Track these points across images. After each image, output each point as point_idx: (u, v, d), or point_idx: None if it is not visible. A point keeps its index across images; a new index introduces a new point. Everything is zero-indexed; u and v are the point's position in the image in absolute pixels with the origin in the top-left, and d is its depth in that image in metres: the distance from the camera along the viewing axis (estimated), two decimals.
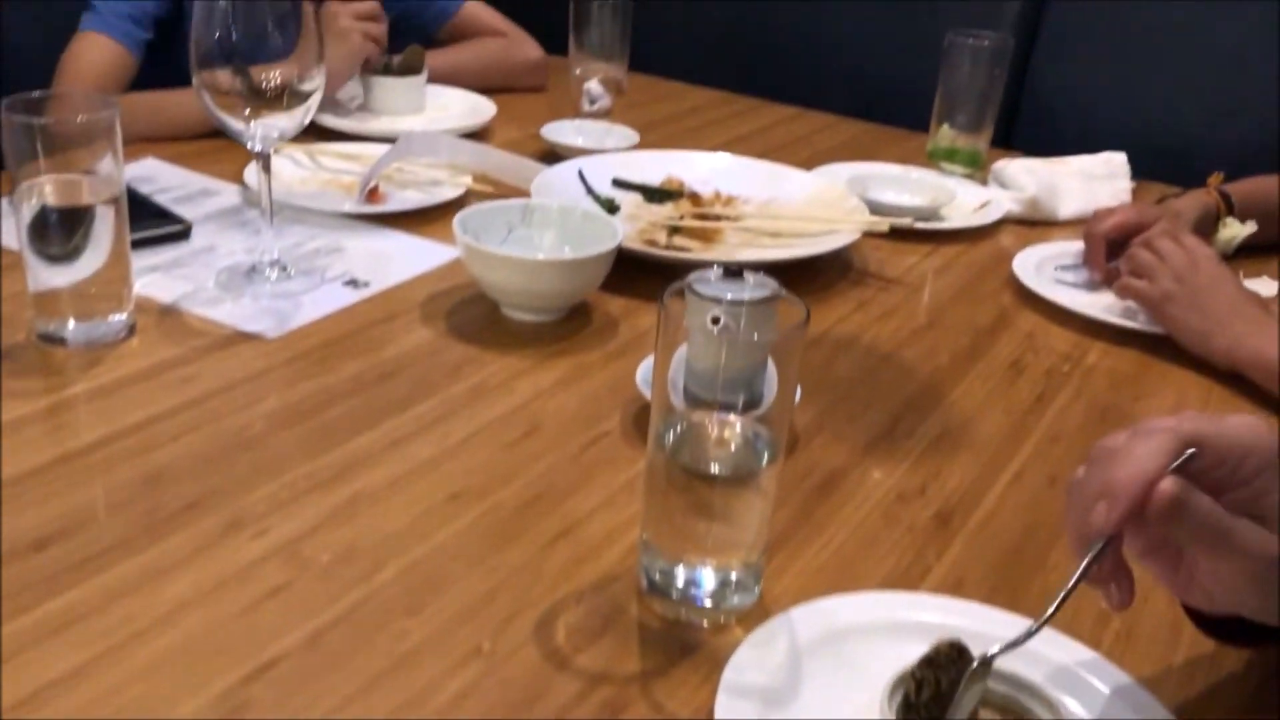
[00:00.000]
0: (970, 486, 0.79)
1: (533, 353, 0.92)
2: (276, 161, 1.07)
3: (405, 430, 0.79)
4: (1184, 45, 1.66)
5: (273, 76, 0.92)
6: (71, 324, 0.86)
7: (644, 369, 0.87)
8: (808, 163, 1.44)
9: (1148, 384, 0.98)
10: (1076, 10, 1.73)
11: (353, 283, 1.01)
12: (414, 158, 1.25)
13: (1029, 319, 1.09)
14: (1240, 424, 0.56)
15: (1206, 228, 1.26)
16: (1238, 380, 0.98)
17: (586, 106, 1.50)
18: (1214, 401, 0.96)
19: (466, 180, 1.23)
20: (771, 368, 0.72)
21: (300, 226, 1.12)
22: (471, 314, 0.98)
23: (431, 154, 1.26)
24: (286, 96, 0.92)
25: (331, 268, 1.04)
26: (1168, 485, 0.51)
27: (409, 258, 1.08)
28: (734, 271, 0.88)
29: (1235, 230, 1.24)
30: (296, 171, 1.25)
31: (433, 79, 1.55)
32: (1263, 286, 1.18)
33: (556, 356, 0.92)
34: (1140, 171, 1.46)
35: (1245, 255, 1.24)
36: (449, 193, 1.21)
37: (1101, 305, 1.11)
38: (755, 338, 0.76)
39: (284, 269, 1.00)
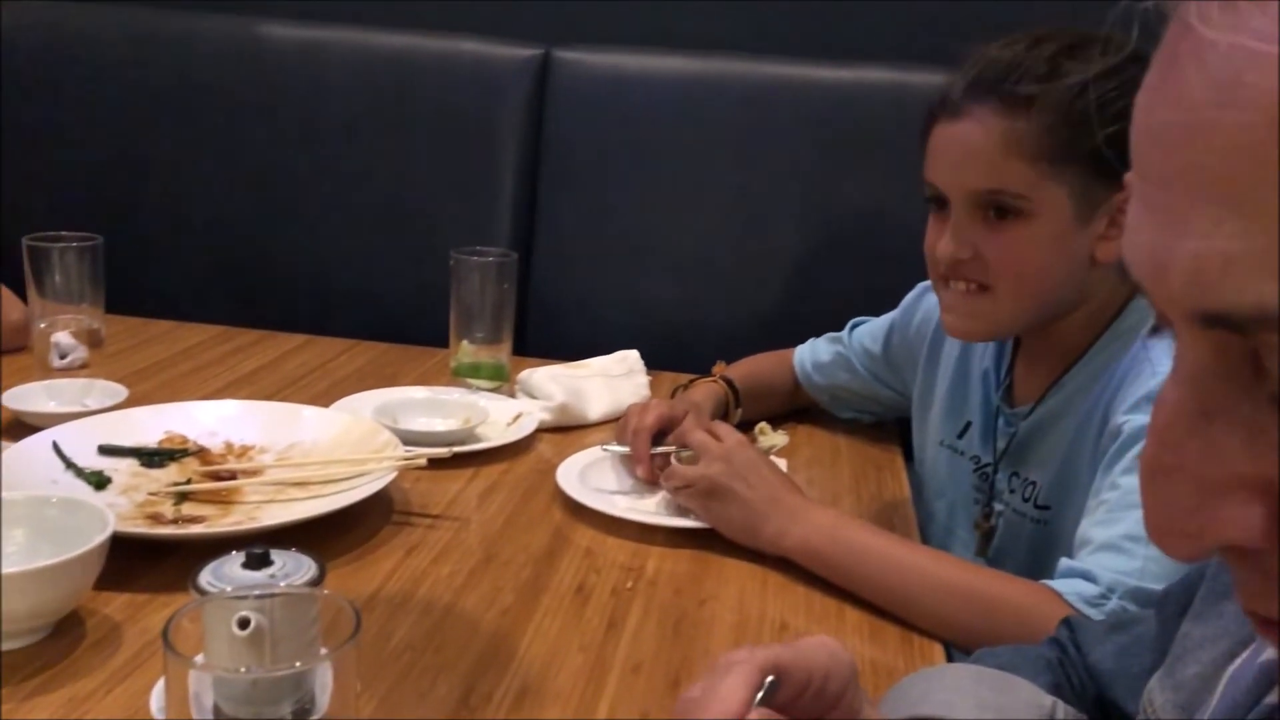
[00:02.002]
0: None
1: (8, 694, 0.73)
2: None
3: None
4: (662, 244, 1.80)
5: None
6: None
7: (160, 690, 0.72)
8: (328, 394, 1.36)
9: (708, 584, 0.98)
10: (563, 221, 1.83)
11: None
12: None
13: (584, 534, 1.06)
14: (814, 644, 0.57)
15: (720, 414, 1.35)
16: (788, 564, 1.01)
17: (57, 362, 1.33)
18: (771, 586, 0.98)
19: None
20: (324, 662, 0.62)
21: None
22: None
23: None
24: None
25: None
26: (754, 716, 0.51)
27: None
28: (259, 554, 0.77)
29: (772, 440, 1.32)
30: None
31: None
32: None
33: (41, 693, 0.74)
34: (649, 363, 1.53)
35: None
36: None
37: (650, 508, 1.12)
38: (298, 631, 0.66)
39: None
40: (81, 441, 1.08)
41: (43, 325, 1.31)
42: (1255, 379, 0.27)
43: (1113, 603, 0.90)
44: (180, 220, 1.87)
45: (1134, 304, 1.10)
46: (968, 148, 1.06)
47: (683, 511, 1.10)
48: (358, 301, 1.83)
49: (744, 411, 1.38)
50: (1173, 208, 0.27)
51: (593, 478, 1.18)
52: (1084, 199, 1.04)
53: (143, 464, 1.09)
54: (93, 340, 1.37)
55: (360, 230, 1.85)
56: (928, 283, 1.35)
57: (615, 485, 1.18)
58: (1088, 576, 0.92)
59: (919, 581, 0.97)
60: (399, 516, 1.06)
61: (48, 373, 1.31)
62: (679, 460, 1.14)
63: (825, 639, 0.58)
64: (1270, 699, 0.43)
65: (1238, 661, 0.47)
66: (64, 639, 0.81)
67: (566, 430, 1.34)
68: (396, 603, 0.90)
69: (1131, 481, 0.96)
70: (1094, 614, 0.88)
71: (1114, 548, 0.93)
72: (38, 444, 1.05)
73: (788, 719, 0.53)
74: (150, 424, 1.16)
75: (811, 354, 1.47)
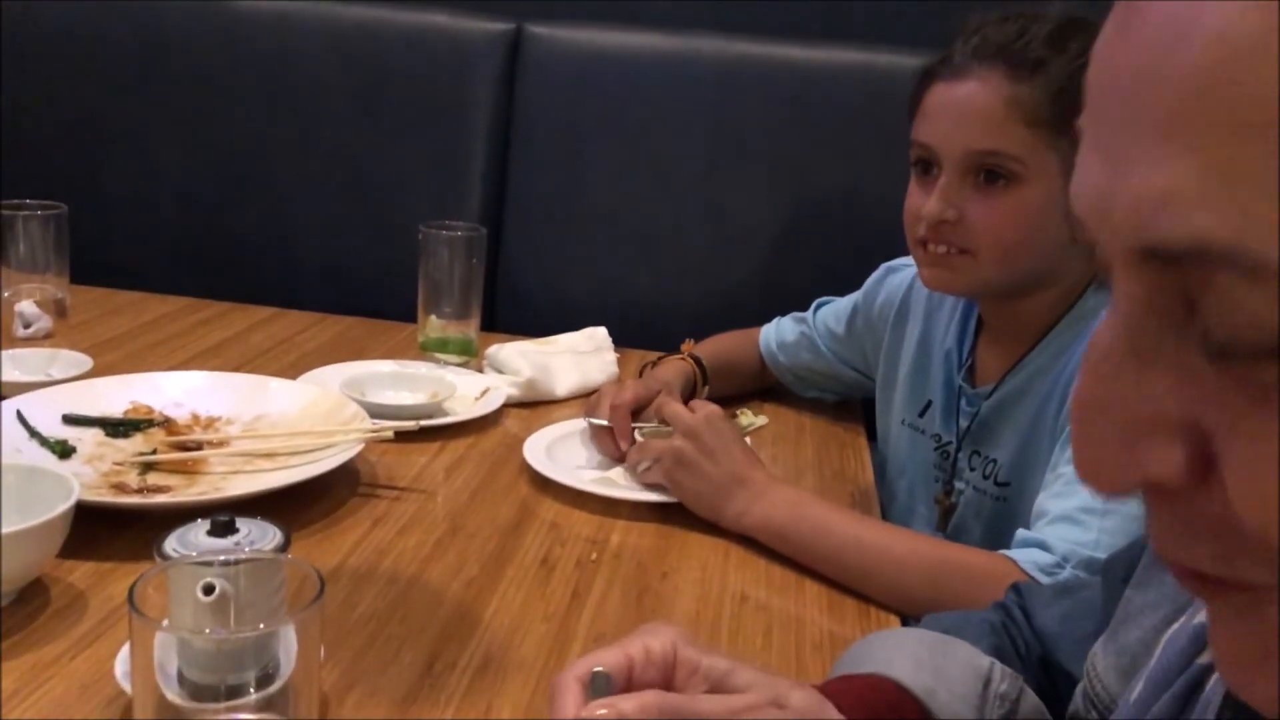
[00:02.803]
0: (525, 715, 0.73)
1: None
2: None
3: None
4: (631, 221, 1.80)
5: None
6: None
7: (125, 655, 0.72)
8: (296, 366, 1.36)
9: (671, 557, 0.99)
10: (533, 197, 1.83)
11: None
12: None
13: (550, 507, 1.07)
14: (644, 630, 0.61)
15: (689, 391, 1.35)
16: (751, 540, 1.02)
17: (21, 332, 1.33)
18: (733, 561, 1.00)
19: None
20: (288, 627, 0.62)
21: None
22: None
23: None
24: None
25: None
26: (585, 713, 0.54)
27: None
28: (224, 521, 0.77)
29: (749, 420, 1.34)
30: None
31: None
32: None
33: (7, 657, 0.74)
34: (617, 340, 1.54)
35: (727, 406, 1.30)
36: None
37: (616, 482, 1.13)
38: (263, 598, 0.66)
39: None
40: (46, 411, 1.09)
41: (6, 294, 1.31)
42: (1186, 319, 0.29)
43: (1066, 572, 0.92)
44: (148, 190, 1.86)
45: (1093, 287, 1.12)
46: (970, 107, 1.06)
47: (647, 486, 1.10)
48: (326, 275, 1.82)
49: (711, 390, 1.38)
50: (1121, 147, 0.29)
51: (559, 452, 1.19)
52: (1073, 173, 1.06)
53: (108, 434, 1.09)
54: (58, 310, 1.36)
55: (329, 203, 1.84)
56: (890, 263, 1.38)
57: (582, 460, 1.19)
58: (1043, 546, 0.94)
59: (876, 556, 0.98)
60: (365, 489, 1.06)
61: (12, 342, 1.30)
62: (644, 437, 1.14)
63: (658, 624, 0.62)
64: (1202, 660, 0.44)
65: (1175, 625, 0.49)
66: (27, 606, 0.81)
67: (534, 406, 1.35)
68: (362, 573, 0.91)
69: None
70: (1048, 582, 0.90)
71: (1070, 519, 0.95)
72: (2, 413, 1.05)
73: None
74: (116, 394, 1.15)
75: (777, 333, 1.48)
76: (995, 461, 1.15)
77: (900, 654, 0.65)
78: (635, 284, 1.79)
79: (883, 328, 1.34)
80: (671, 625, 0.62)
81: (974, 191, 1.07)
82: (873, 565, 0.98)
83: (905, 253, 1.19)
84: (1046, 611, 0.74)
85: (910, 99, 1.12)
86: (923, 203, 1.09)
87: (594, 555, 0.97)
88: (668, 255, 1.79)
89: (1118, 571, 0.62)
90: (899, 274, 1.36)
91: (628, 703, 0.54)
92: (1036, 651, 0.72)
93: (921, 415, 1.26)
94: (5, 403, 1.06)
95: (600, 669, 0.57)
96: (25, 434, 1.04)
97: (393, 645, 0.80)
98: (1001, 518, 1.14)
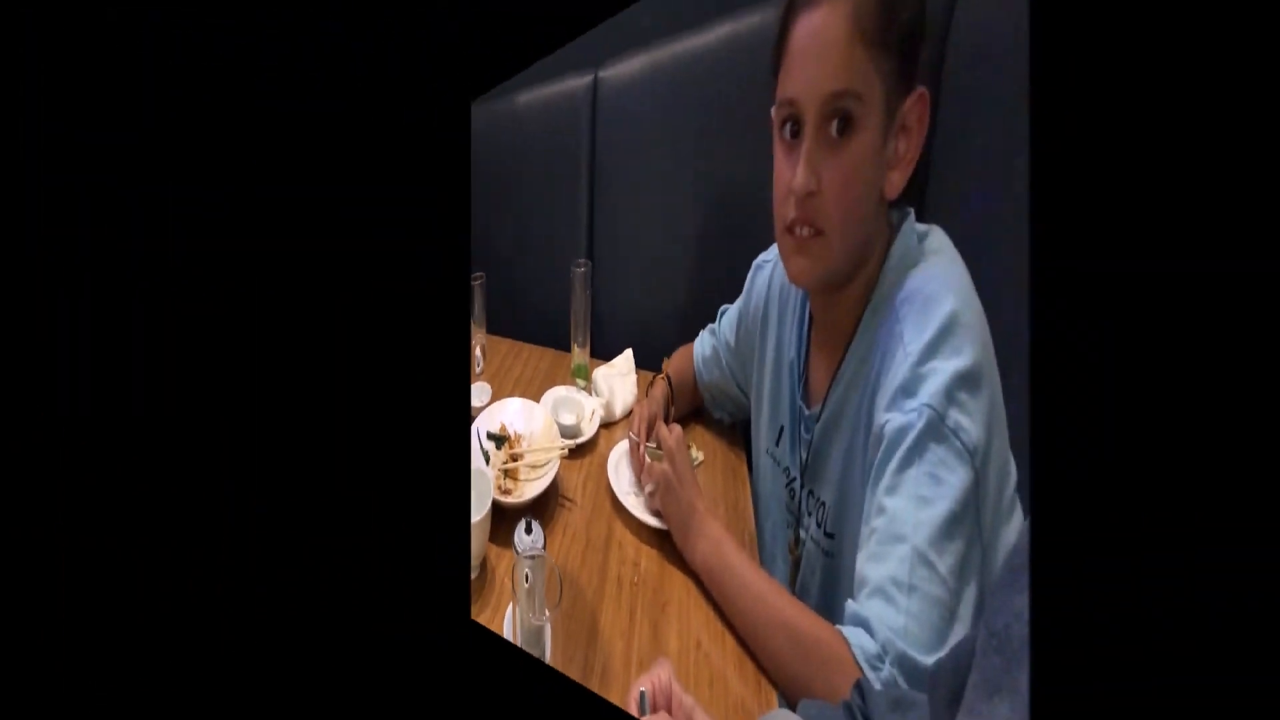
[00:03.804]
0: None
1: (474, 610, 1.04)
2: None
3: None
4: (635, 240, 2.04)
5: None
6: None
7: (507, 620, 1.01)
8: (539, 391, 1.74)
9: (666, 589, 1.15)
10: (610, 228, 2.08)
11: None
12: None
13: (618, 527, 1.29)
14: (657, 662, 0.67)
15: (667, 411, 1.50)
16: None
17: (476, 370, 1.79)
18: (693, 600, 1.10)
19: None
20: (547, 621, 0.77)
21: None
22: None
23: None
24: None
25: None
26: None
27: None
28: (529, 523, 0.95)
29: (694, 454, 1.51)
30: None
31: None
32: None
33: (478, 614, 1.07)
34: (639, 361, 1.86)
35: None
36: None
37: (638, 505, 1.31)
38: (539, 587, 0.81)
39: None
40: (480, 428, 1.50)
41: (473, 342, 1.69)
42: None
43: (886, 670, 0.79)
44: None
45: (887, 265, 0.85)
46: (823, 38, 0.77)
47: (652, 511, 1.27)
48: (543, 312, 2.18)
49: (676, 408, 1.52)
50: None
51: (621, 472, 1.42)
52: (891, 102, 0.77)
53: (495, 447, 1.49)
54: (483, 352, 1.77)
55: (540, 256, 2.28)
56: (760, 257, 1.19)
57: (627, 480, 1.42)
58: (867, 627, 0.80)
59: (755, 611, 0.84)
60: (558, 498, 1.38)
61: (474, 378, 1.72)
62: (651, 458, 1.28)
63: (658, 659, 0.65)
64: None
65: None
66: (480, 576, 1.11)
67: (608, 425, 1.66)
68: (566, 578, 1.11)
69: (896, 503, 0.79)
70: (874, 678, 0.81)
71: (883, 593, 0.79)
72: (473, 429, 1.47)
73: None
74: (495, 416, 1.54)
75: (699, 347, 1.40)
76: (824, 505, 0.97)
77: None
78: (633, 302, 2.04)
79: (756, 333, 1.16)
80: (666, 660, 0.69)
81: (827, 149, 0.76)
82: (751, 620, 0.84)
83: None
84: None
85: (773, 52, 0.82)
86: (793, 175, 0.81)
87: (635, 578, 1.15)
88: (648, 277, 2.01)
89: (943, 689, 0.59)
90: (763, 270, 1.13)
91: None
92: None
93: (777, 443, 1.11)
94: (475, 422, 1.47)
95: (644, 689, 0.68)
96: (478, 445, 1.46)
97: (575, 642, 1.01)
98: (831, 577, 0.98)
